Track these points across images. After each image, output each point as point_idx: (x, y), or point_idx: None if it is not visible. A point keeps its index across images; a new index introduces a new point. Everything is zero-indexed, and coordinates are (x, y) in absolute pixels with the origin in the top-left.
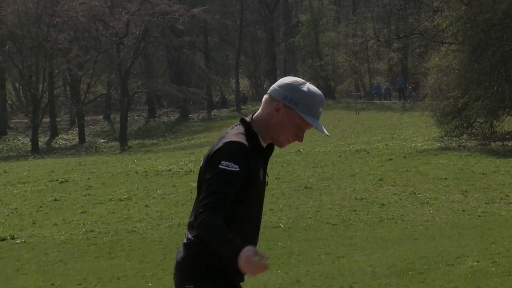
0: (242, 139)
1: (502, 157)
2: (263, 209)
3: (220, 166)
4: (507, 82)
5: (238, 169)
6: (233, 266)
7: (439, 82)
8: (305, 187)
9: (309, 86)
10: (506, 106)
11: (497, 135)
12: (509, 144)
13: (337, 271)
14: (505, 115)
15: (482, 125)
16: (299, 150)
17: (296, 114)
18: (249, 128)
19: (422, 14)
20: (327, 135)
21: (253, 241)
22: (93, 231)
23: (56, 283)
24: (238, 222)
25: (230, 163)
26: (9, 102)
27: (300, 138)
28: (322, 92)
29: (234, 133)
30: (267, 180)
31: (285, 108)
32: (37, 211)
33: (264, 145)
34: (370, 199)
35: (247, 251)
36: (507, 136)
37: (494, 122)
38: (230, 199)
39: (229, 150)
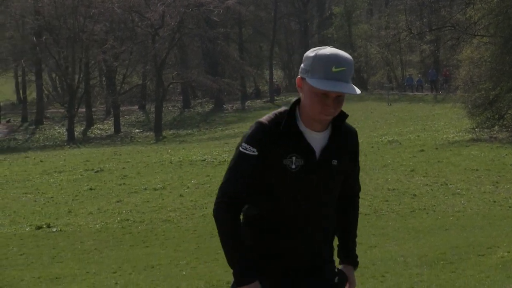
0: (268, 119)
1: None
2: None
3: (240, 148)
4: None
5: (255, 153)
6: (277, 260)
7: (471, 74)
8: None
9: (319, 51)
10: None
11: None
12: None
13: (369, 261)
14: None
15: None
16: None
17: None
18: (291, 107)
19: (455, 7)
20: (355, 93)
21: (304, 236)
22: (128, 220)
23: (91, 271)
24: (276, 211)
25: (248, 146)
26: (46, 92)
27: (329, 106)
28: (356, 84)
29: (271, 113)
30: (332, 166)
31: (302, 81)
32: (72, 200)
33: (304, 128)
34: (402, 189)
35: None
36: None
37: None
38: (245, 186)
39: (250, 131)
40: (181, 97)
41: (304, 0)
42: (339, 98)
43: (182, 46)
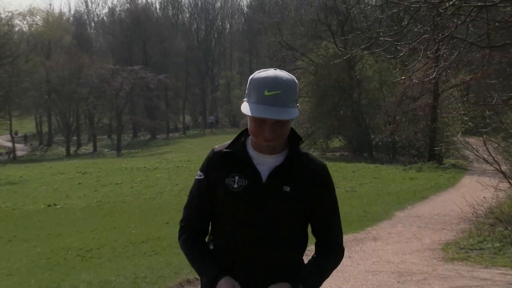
0: (220, 145)
1: (333, 161)
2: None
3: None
4: (336, 119)
5: (201, 177)
6: None
7: (297, 119)
8: None
9: (257, 73)
10: (335, 132)
11: (330, 149)
12: (337, 154)
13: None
14: (334, 137)
15: (322, 143)
16: None
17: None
18: (240, 131)
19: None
20: (287, 118)
21: (252, 260)
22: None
23: None
24: (226, 234)
25: (199, 171)
26: (53, 127)
27: (266, 132)
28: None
29: None
30: (282, 193)
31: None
32: (69, 189)
33: (253, 150)
34: None
35: (222, 285)
36: (336, 149)
37: (328, 142)
38: (198, 209)
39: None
40: (132, 130)
41: None
42: (277, 124)
43: (133, 101)
